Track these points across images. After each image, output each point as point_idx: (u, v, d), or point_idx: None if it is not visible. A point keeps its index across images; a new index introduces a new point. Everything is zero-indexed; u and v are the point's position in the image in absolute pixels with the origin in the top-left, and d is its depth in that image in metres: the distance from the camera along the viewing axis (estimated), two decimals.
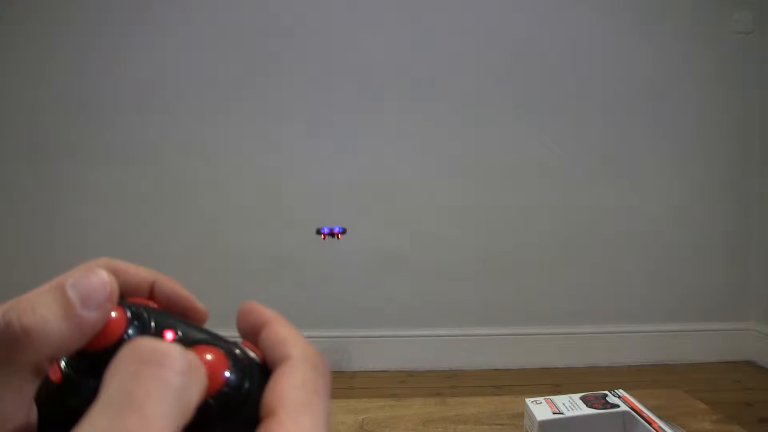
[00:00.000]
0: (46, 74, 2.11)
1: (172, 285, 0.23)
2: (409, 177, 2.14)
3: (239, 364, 0.18)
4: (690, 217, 2.16)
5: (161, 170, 2.12)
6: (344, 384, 1.96)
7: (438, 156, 2.14)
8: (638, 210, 2.15)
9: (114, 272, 0.22)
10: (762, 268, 2.13)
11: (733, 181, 2.17)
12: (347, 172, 2.13)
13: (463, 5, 2.12)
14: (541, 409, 0.59)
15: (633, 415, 0.57)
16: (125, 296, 0.21)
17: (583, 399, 0.61)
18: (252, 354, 0.19)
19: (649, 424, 0.55)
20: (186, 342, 0.18)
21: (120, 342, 0.18)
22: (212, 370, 0.17)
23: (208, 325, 0.24)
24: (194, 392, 0.15)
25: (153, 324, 0.19)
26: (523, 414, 0.63)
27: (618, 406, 0.60)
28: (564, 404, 0.60)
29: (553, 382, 1.96)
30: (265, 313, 0.20)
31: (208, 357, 0.17)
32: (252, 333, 0.20)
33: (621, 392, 0.63)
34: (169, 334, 0.19)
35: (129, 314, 0.18)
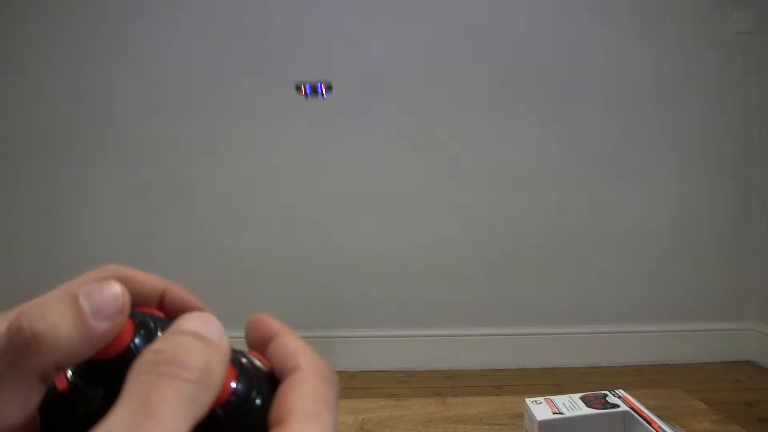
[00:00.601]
0: (46, 74, 2.11)
1: (181, 293, 0.23)
2: (409, 177, 2.14)
3: (247, 373, 0.18)
4: (690, 217, 2.16)
5: (161, 170, 2.12)
6: (344, 384, 1.96)
7: (438, 156, 2.14)
8: (638, 210, 2.15)
9: (123, 279, 0.22)
10: (762, 268, 2.13)
11: (733, 182, 2.17)
12: (347, 171, 2.13)
13: (463, 5, 2.12)
14: (541, 409, 0.59)
15: (633, 415, 0.57)
16: (134, 304, 0.21)
17: (583, 399, 0.61)
18: (260, 364, 0.19)
19: (649, 424, 0.55)
20: None
21: (127, 351, 0.18)
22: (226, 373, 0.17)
23: None
24: (207, 399, 0.15)
25: (160, 334, 0.19)
26: (523, 414, 0.63)
27: (618, 406, 0.60)
28: (564, 404, 0.60)
29: (553, 382, 1.96)
30: (275, 324, 0.20)
31: None
32: (261, 344, 0.20)
33: (621, 392, 0.63)
34: None
35: (136, 323, 0.18)
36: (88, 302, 0.17)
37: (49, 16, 2.10)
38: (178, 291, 0.23)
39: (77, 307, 0.16)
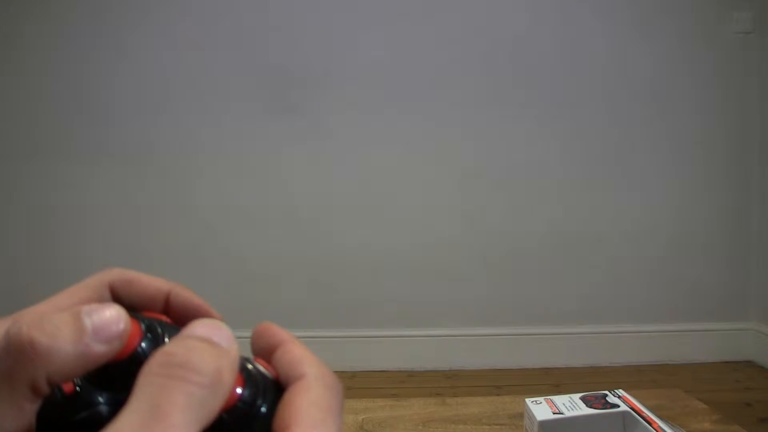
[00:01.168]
0: (46, 74, 2.11)
1: (187, 295, 0.23)
2: (409, 177, 2.14)
3: (253, 380, 0.18)
4: (690, 216, 2.16)
5: (161, 170, 2.12)
6: (344, 384, 1.95)
7: (438, 156, 2.14)
8: (638, 210, 2.15)
9: (128, 283, 0.22)
10: (762, 268, 2.13)
11: (733, 181, 2.17)
12: (347, 171, 2.13)
13: (463, 6, 2.12)
14: (541, 409, 0.59)
15: (633, 415, 0.57)
16: (139, 309, 0.21)
17: (583, 399, 0.61)
18: (266, 371, 0.19)
19: (649, 424, 0.55)
20: None
21: (134, 354, 0.18)
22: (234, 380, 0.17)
23: None
24: (216, 404, 0.15)
25: (166, 339, 0.19)
26: (523, 414, 0.63)
27: (618, 406, 0.60)
28: (564, 404, 0.60)
29: (553, 382, 1.96)
30: (280, 333, 0.20)
31: None
32: (267, 352, 0.20)
33: (621, 392, 0.63)
34: None
35: (143, 327, 0.18)
36: (90, 321, 0.17)
37: (49, 16, 2.10)
38: (183, 293, 0.23)
39: (78, 324, 0.16)
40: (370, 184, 2.14)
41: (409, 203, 2.14)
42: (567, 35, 2.13)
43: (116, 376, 0.17)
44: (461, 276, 2.14)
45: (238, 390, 0.17)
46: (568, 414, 0.58)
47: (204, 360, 0.15)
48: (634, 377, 1.99)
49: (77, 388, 0.18)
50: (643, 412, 0.58)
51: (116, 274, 0.22)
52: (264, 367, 0.19)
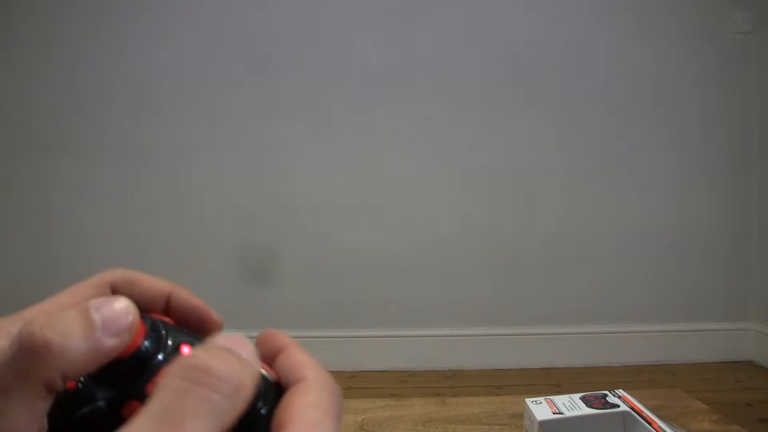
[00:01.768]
0: (46, 74, 2.11)
1: (187, 296, 0.23)
2: (409, 177, 2.14)
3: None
4: (690, 216, 2.16)
5: (161, 170, 2.12)
6: (344, 384, 1.96)
7: (438, 156, 2.14)
8: (638, 210, 2.15)
9: (130, 283, 0.22)
10: (762, 268, 2.13)
11: (733, 181, 2.17)
12: (347, 171, 2.13)
13: (463, 6, 2.12)
14: (541, 409, 0.59)
15: (633, 415, 0.57)
16: (141, 309, 0.21)
17: (583, 399, 0.61)
18: (267, 374, 0.19)
19: (649, 424, 0.55)
20: None
21: (137, 352, 0.18)
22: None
23: None
24: (233, 415, 0.15)
25: (170, 340, 0.19)
26: (523, 414, 0.63)
27: (618, 406, 0.60)
28: (564, 404, 0.60)
29: (553, 382, 1.96)
30: (283, 339, 0.21)
31: None
32: (270, 357, 0.20)
33: (621, 392, 0.63)
34: (185, 350, 0.19)
35: (147, 326, 0.19)
36: (99, 315, 0.17)
37: (49, 16, 2.09)
38: (183, 294, 0.23)
39: (88, 319, 0.17)
40: (370, 183, 2.14)
41: (410, 203, 2.14)
42: (567, 35, 2.13)
43: (119, 373, 0.17)
44: (461, 276, 2.14)
45: None
46: (568, 414, 0.58)
47: (228, 368, 0.15)
48: (634, 377, 1.99)
49: (79, 384, 0.18)
50: (643, 412, 0.58)
51: (118, 274, 0.22)
52: (266, 370, 0.19)
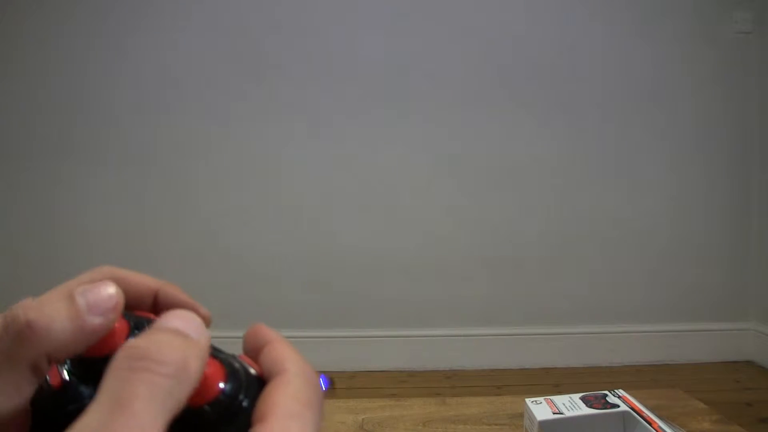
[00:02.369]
0: (46, 74, 2.11)
1: (175, 293, 0.23)
2: (409, 177, 2.14)
3: (236, 375, 0.18)
4: (690, 216, 2.16)
5: (161, 170, 2.12)
6: (344, 384, 1.96)
7: (438, 156, 2.14)
8: (638, 210, 2.15)
9: (117, 280, 0.22)
10: (762, 268, 2.13)
11: (733, 182, 2.17)
12: (347, 171, 2.13)
13: (463, 5, 2.12)
14: (541, 409, 0.59)
15: (633, 415, 0.57)
16: (128, 306, 0.22)
17: (583, 399, 0.61)
18: (249, 367, 0.19)
19: (649, 424, 0.55)
20: None
21: None
22: (209, 380, 0.17)
23: (211, 326, 0.25)
24: (183, 393, 0.15)
25: None
26: (523, 414, 0.63)
27: (618, 406, 0.60)
28: (564, 404, 0.60)
29: (553, 382, 1.96)
30: (269, 333, 0.21)
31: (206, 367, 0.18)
32: (255, 351, 0.20)
33: (621, 392, 0.63)
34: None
35: (131, 324, 0.19)
36: (84, 299, 0.17)
37: (49, 16, 2.09)
38: (171, 290, 0.23)
39: (72, 301, 0.17)
40: (370, 183, 2.14)
41: (409, 203, 2.14)
42: (567, 35, 2.13)
43: (103, 371, 0.17)
44: (461, 276, 2.14)
45: (221, 384, 0.18)
46: (568, 414, 0.58)
47: (166, 350, 0.16)
48: (634, 377, 1.99)
49: (65, 383, 0.19)
50: (643, 412, 0.58)
51: (106, 272, 0.22)
52: (249, 364, 0.20)
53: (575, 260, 2.15)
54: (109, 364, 0.15)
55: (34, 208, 2.13)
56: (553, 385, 1.93)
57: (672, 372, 2.04)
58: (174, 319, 0.17)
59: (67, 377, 0.19)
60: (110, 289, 0.18)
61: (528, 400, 0.61)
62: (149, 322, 0.20)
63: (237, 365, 0.19)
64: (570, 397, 0.61)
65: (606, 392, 0.63)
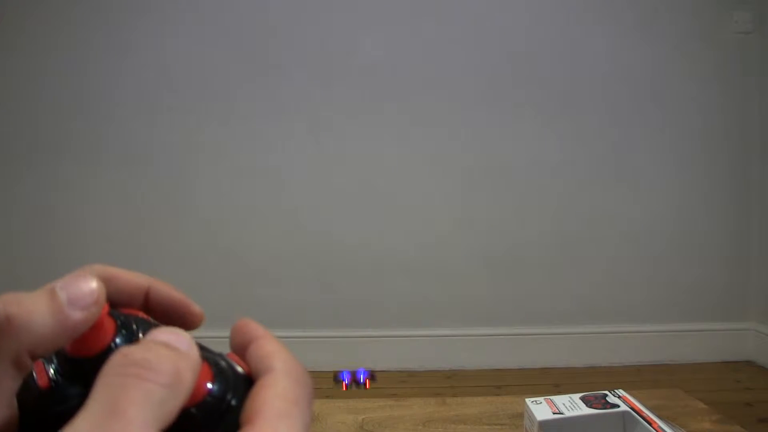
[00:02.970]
0: (46, 74, 2.11)
1: (166, 290, 0.23)
2: (409, 177, 2.14)
3: (224, 375, 0.18)
4: (690, 216, 2.16)
5: (161, 170, 2.12)
6: None
7: (438, 156, 2.14)
8: (638, 210, 2.15)
9: (107, 279, 0.22)
10: (762, 268, 2.13)
11: (733, 181, 2.17)
12: (347, 171, 2.13)
13: (463, 5, 2.12)
14: (541, 409, 0.59)
15: (633, 415, 0.57)
16: (118, 305, 0.21)
17: (583, 399, 0.61)
18: (237, 366, 0.19)
19: (649, 424, 0.55)
20: None
21: (108, 350, 0.18)
22: (196, 381, 0.17)
23: (207, 325, 0.24)
24: (175, 404, 0.15)
25: (141, 334, 0.19)
26: (523, 414, 0.63)
27: (618, 406, 0.60)
28: (564, 404, 0.60)
29: (553, 382, 1.96)
30: (256, 330, 0.20)
31: None
32: (242, 348, 0.20)
33: (621, 392, 0.63)
34: None
35: (118, 323, 0.19)
36: (65, 293, 0.17)
37: (49, 16, 2.09)
38: (162, 288, 0.23)
39: (53, 296, 0.17)
40: (370, 183, 2.14)
41: (409, 203, 2.14)
42: (567, 35, 2.13)
43: (90, 371, 0.17)
44: (461, 276, 2.14)
45: (208, 385, 0.17)
46: (568, 414, 0.58)
47: (162, 360, 0.16)
48: (634, 377, 1.99)
49: (53, 384, 0.19)
50: (643, 412, 0.58)
51: (96, 269, 0.22)
52: (236, 362, 0.19)
53: (575, 260, 2.15)
54: (102, 368, 0.15)
55: (33, 208, 2.13)
56: (553, 385, 1.93)
57: (672, 372, 2.04)
58: (164, 334, 0.17)
59: (54, 377, 0.19)
60: (91, 284, 0.18)
61: (528, 400, 0.61)
62: (137, 320, 0.20)
63: (224, 364, 0.19)
64: (570, 397, 0.61)
65: (606, 392, 0.63)
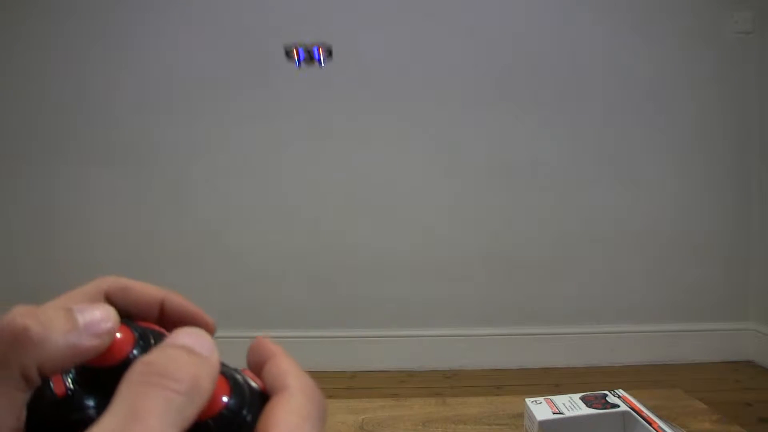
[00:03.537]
0: (46, 74, 2.11)
1: (180, 301, 0.24)
2: (409, 177, 2.14)
3: (240, 390, 0.19)
4: (690, 216, 2.16)
5: (161, 170, 2.12)
6: (344, 384, 1.96)
7: (438, 155, 2.14)
8: (638, 210, 2.15)
9: (123, 290, 0.22)
10: (762, 268, 2.13)
11: (733, 181, 2.17)
12: (347, 171, 2.13)
13: (463, 5, 2.12)
14: (541, 409, 0.59)
15: (633, 415, 0.57)
16: (134, 317, 0.22)
17: (583, 399, 0.61)
18: (253, 382, 0.20)
19: (649, 424, 0.55)
20: None
21: (126, 360, 0.18)
22: (213, 394, 0.17)
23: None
24: (193, 410, 0.16)
25: None
26: (523, 414, 0.63)
27: (618, 406, 0.60)
28: (564, 404, 0.60)
29: (553, 382, 1.96)
30: (272, 348, 0.21)
31: None
32: (258, 366, 0.21)
33: (621, 392, 0.63)
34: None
35: (136, 335, 0.19)
36: (82, 317, 0.18)
37: (50, 17, 2.10)
38: (176, 300, 0.24)
39: (71, 318, 0.17)
40: (370, 183, 2.14)
41: (409, 203, 2.14)
42: (567, 35, 2.13)
43: (107, 381, 0.17)
44: (461, 276, 2.14)
45: (224, 398, 0.18)
46: (568, 414, 0.58)
47: (182, 367, 0.16)
48: (634, 377, 1.99)
49: (69, 392, 0.19)
50: (643, 412, 0.58)
51: (111, 281, 0.22)
52: (252, 379, 0.20)
53: (575, 260, 2.15)
54: (124, 376, 0.16)
55: (34, 208, 2.13)
56: (553, 385, 1.93)
57: (672, 372, 2.04)
58: (185, 337, 0.18)
59: (71, 386, 0.19)
60: (106, 312, 0.18)
61: (528, 400, 0.61)
62: (154, 333, 0.20)
63: (240, 379, 0.19)
64: (570, 397, 0.61)
65: (606, 392, 0.63)
